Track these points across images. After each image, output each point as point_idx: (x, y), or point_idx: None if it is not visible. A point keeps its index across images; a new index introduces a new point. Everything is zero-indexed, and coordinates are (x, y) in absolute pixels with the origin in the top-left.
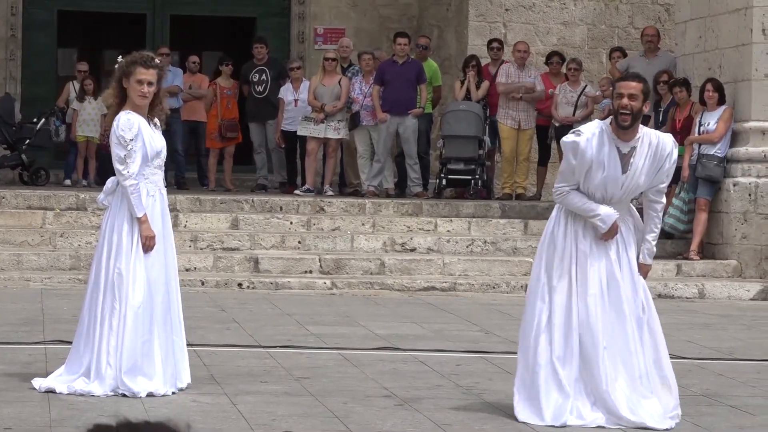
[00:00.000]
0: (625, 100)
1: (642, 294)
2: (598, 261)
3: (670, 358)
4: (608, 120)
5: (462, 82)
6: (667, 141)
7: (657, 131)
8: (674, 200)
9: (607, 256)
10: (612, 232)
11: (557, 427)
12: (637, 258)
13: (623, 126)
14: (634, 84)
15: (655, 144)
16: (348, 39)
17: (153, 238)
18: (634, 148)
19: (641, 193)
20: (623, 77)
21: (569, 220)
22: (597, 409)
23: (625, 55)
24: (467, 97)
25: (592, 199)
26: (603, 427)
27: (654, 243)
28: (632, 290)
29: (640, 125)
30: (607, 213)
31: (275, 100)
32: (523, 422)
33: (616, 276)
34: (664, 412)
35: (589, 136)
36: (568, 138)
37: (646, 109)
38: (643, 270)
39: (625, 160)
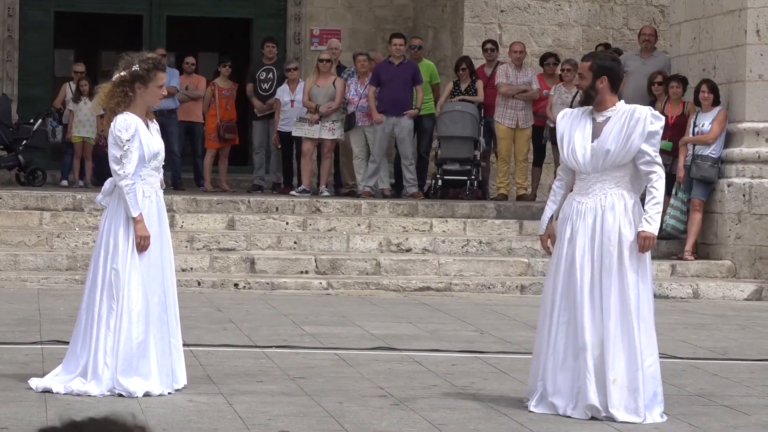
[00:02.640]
0: (575, 80)
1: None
2: (581, 247)
3: (665, 358)
4: None
5: (454, 84)
6: (641, 109)
7: (639, 105)
8: (672, 201)
9: (592, 242)
10: (541, 242)
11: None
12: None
13: (580, 103)
14: (580, 64)
15: (630, 112)
16: (337, 41)
17: (147, 238)
18: (609, 117)
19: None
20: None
21: (569, 203)
22: (573, 400)
23: (619, 53)
24: (467, 89)
25: (571, 169)
26: (568, 417)
27: (653, 212)
28: (600, 273)
29: (622, 103)
30: (541, 221)
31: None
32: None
33: (594, 258)
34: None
35: (569, 111)
36: None
37: (602, 85)
38: (641, 237)
39: (598, 128)
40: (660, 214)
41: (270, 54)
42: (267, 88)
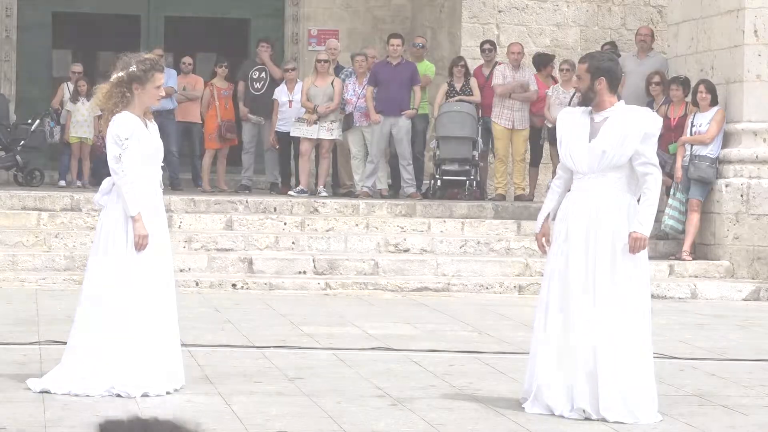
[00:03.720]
0: (574, 82)
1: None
2: (577, 242)
3: (663, 358)
4: None
5: (449, 84)
6: (639, 110)
7: (637, 106)
8: (671, 201)
9: (587, 238)
10: (536, 241)
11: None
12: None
13: (579, 104)
14: (578, 66)
15: (627, 112)
16: (335, 41)
17: (146, 236)
18: (607, 118)
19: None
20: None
21: (565, 202)
22: (569, 401)
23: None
24: (462, 88)
25: (569, 169)
26: (563, 417)
27: (647, 213)
28: (590, 272)
29: (621, 103)
30: (537, 219)
31: (272, 99)
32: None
33: (590, 255)
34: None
35: (570, 110)
36: None
37: (600, 86)
38: (632, 237)
39: (596, 128)
40: (653, 216)
41: (264, 54)
42: (259, 87)
